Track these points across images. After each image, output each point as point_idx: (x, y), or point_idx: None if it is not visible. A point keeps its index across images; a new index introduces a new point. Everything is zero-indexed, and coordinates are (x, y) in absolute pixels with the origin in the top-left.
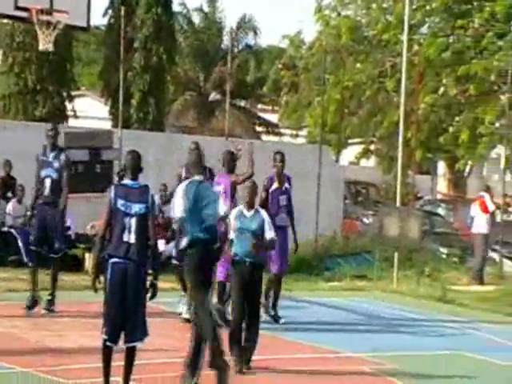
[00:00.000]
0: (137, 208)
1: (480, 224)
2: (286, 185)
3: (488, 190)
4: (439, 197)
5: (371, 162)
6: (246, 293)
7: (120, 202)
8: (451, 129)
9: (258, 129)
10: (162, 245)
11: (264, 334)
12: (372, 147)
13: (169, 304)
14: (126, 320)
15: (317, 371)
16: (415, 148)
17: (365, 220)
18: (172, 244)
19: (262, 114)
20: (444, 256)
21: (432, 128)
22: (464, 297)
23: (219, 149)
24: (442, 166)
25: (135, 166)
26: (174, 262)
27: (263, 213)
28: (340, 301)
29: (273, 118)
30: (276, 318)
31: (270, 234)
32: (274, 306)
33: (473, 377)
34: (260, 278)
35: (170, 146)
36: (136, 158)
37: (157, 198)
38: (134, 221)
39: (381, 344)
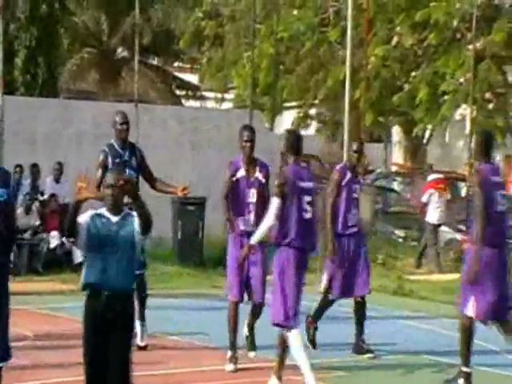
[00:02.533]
0: None
1: (430, 212)
2: (258, 174)
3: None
4: (394, 169)
5: (312, 129)
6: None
7: None
8: (407, 86)
9: (176, 92)
10: (56, 237)
11: None
12: (313, 111)
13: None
14: None
15: None
16: (364, 111)
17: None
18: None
19: (179, 75)
20: (400, 240)
21: (384, 86)
22: (423, 288)
23: (129, 116)
24: (396, 132)
25: None
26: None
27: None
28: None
29: (193, 78)
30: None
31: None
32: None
33: None
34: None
35: (66, 116)
36: None
37: (49, 180)
38: None
39: (324, 349)
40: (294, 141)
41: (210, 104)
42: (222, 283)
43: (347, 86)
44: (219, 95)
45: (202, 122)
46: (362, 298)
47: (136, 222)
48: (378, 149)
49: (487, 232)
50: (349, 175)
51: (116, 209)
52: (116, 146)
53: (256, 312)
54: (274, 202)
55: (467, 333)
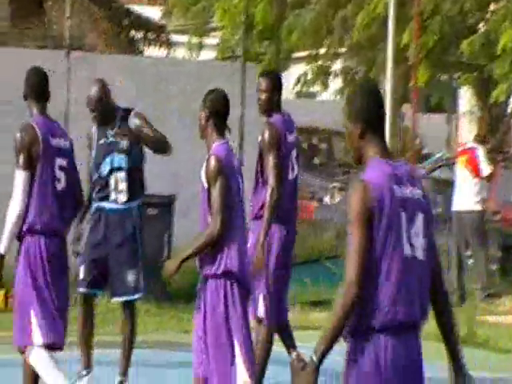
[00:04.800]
0: None
1: (468, 196)
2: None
3: (483, 139)
4: None
5: (335, 91)
6: None
7: None
8: (482, 27)
9: (131, 35)
10: None
11: None
12: (336, 66)
13: None
14: None
15: None
16: (416, 64)
17: (326, 199)
18: None
19: (134, 8)
20: (471, 261)
21: (447, 26)
22: (507, 335)
23: (56, 70)
24: (466, 97)
25: None
26: None
27: None
28: (282, 351)
29: (154, 13)
30: None
31: None
32: None
33: None
34: None
35: None
36: None
37: None
38: None
39: None
40: (37, 81)
41: (180, 53)
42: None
43: (390, 26)
44: (195, 39)
45: (168, 79)
46: None
47: None
48: (438, 122)
49: None
50: None
51: None
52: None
53: None
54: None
55: None
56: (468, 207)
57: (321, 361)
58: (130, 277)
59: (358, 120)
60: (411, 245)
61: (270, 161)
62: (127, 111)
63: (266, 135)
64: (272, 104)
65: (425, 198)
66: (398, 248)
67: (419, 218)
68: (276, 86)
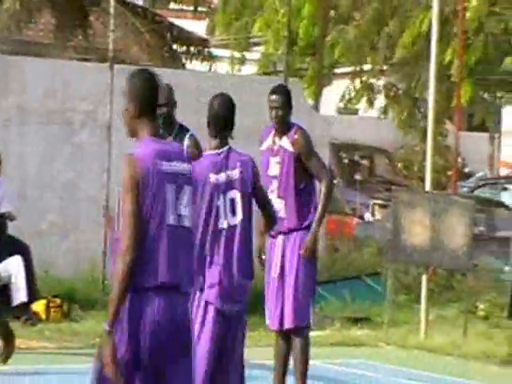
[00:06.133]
0: None
1: None
2: (285, 143)
3: None
4: (505, 172)
5: (378, 108)
6: None
7: None
8: None
9: (173, 48)
10: None
11: None
12: (379, 82)
13: None
14: None
15: None
16: (460, 81)
17: (367, 215)
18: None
19: (177, 22)
20: None
21: (491, 44)
22: None
23: (100, 83)
24: (509, 116)
25: None
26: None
27: None
28: (322, 366)
29: (198, 28)
30: None
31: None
32: None
33: None
34: None
35: (4, 76)
36: None
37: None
38: None
39: None
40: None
41: (223, 67)
42: None
43: (433, 43)
44: (237, 54)
45: (210, 93)
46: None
47: None
48: (481, 141)
49: None
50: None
51: None
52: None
53: None
54: None
55: None
56: None
57: (112, 324)
58: None
59: (135, 100)
60: (179, 215)
61: (315, 164)
62: (182, 127)
63: (303, 141)
64: (289, 117)
65: (191, 173)
66: (164, 216)
67: (186, 191)
68: (290, 101)
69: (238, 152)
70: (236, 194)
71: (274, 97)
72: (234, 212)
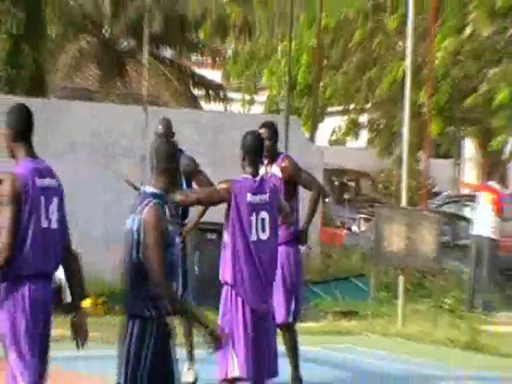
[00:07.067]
0: None
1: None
2: (275, 169)
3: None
4: (465, 192)
5: (362, 140)
6: None
7: None
8: (483, 87)
9: (195, 92)
10: None
11: None
12: (363, 118)
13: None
14: None
15: None
16: (429, 118)
17: (354, 228)
18: None
19: (198, 71)
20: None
21: (454, 87)
22: (505, 342)
23: (136, 122)
24: (469, 146)
25: None
26: None
27: None
28: (316, 352)
29: (215, 76)
30: None
31: None
32: None
33: None
34: None
35: (53, 121)
36: None
37: None
38: None
39: None
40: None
41: (235, 107)
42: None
43: (407, 86)
44: (247, 97)
45: (225, 129)
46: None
47: None
48: (446, 167)
49: None
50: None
51: None
52: None
53: None
54: None
55: None
56: (486, 234)
57: None
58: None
59: (12, 126)
60: (49, 219)
61: (306, 177)
62: (181, 150)
63: (291, 166)
64: (275, 147)
65: (60, 187)
66: (39, 221)
67: (55, 201)
68: (276, 133)
69: (266, 180)
70: (266, 215)
71: (262, 130)
72: (263, 229)
